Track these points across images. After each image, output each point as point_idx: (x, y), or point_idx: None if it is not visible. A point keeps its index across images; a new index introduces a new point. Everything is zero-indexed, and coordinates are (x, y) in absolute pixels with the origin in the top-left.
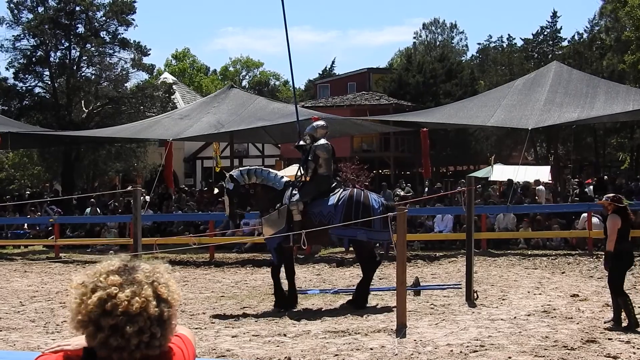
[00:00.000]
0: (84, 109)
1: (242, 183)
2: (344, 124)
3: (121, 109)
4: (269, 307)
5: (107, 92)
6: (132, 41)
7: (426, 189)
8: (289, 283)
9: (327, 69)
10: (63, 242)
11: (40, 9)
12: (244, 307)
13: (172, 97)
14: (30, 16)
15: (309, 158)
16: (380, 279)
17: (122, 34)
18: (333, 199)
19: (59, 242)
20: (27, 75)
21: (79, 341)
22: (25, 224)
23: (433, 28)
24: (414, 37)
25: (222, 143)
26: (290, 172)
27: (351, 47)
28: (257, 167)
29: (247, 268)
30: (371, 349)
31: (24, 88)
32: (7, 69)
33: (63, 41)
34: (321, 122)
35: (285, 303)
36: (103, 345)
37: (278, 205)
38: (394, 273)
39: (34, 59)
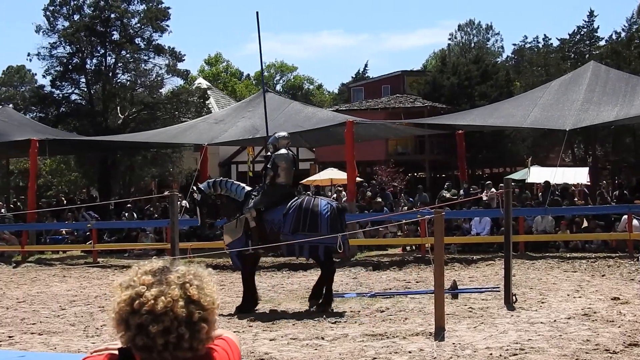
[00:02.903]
0: (119, 115)
1: (209, 193)
2: (379, 128)
3: (156, 114)
4: (306, 310)
5: (142, 98)
6: (166, 47)
7: (462, 192)
8: (245, 287)
9: (360, 72)
10: (101, 247)
11: (76, 17)
12: (281, 311)
13: (207, 102)
14: (66, 24)
15: (268, 166)
16: (417, 282)
17: (157, 40)
18: (285, 208)
19: (97, 247)
20: (63, 83)
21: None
22: (64, 230)
23: (468, 29)
24: (449, 39)
25: (257, 147)
26: (324, 176)
27: (383, 50)
28: (222, 178)
29: (283, 272)
30: (409, 352)
31: (60, 95)
32: (44, 76)
33: (99, 48)
34: (283, 133)
35: (246, 308)
36: (132, 345)
37: (238, 214)
38: (430, 276)
39: (70, 66)
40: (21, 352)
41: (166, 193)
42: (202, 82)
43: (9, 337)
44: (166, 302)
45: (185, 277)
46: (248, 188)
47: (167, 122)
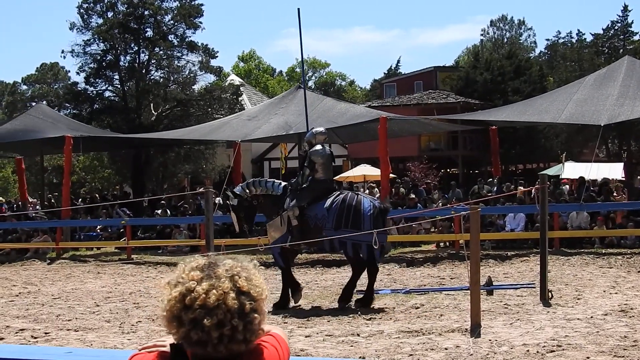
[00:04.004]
0: (153, 111)
1: (245, 197)
2: (412, 123)
3: (189, 111)
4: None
5: (175, 94)
6: (199, 44)
7: (495, 188)
8: (284, 283)
9: (392, 68)
10: (135, 243)
11: (110, 14)
12: (316, 307)
13: (240, 98)
14: (100, 21)
15: (305, 164)
16: (451, 278)
17: (190, 37)
18: (327, 203)
19: (130, 243)
20: (97, 80)
21: (172, 339)
22: (98, 226)
23: (500, 25)
24: (481, 34)
25: (289, 144)
26: (357, 172)
27: (414, 46)
28: (255, 179)
29: (317, 268)
30: (446, 348)
31: (94, 92)
32: (78, 73)
33: (132, 45)
34: (320, 129)
35: (283, 304)
36: (186, 340)
37: (280, 211)
38: (465, 273)
39: (104, 63)
40: (68, 348)
41: (201, 190)
42: (235, 79)
43: (45, 333)
44: (218, 295)
45: (233, 270)
46: (283, 183)
47: (200, 119)
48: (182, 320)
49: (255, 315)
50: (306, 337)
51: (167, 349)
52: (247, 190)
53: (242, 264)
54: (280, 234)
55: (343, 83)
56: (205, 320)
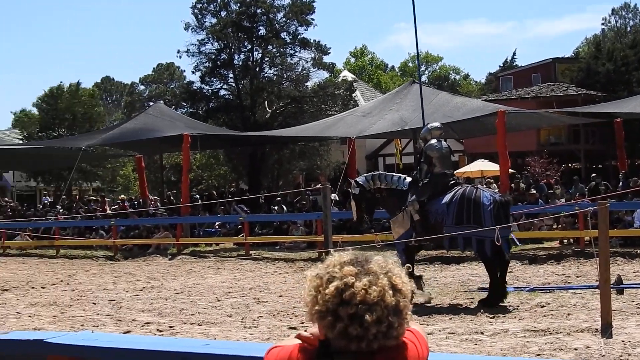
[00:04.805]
0: (267, 109)
1: (368, 188)
2: (530, 117)
3: (303, 108)
4: (462, 304)
5: (289, 92)
6: (312, 41)
7: (621, 183)
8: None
9: (508, 60)
10: (253, 239)
11: (223, 13)
12: (437, 305)
13: (353, 94)
14: (214, 21)
15: (422, 160)
16: (577, 276)
17: (302, 34)
18: (447, 197)
19: (248, 239)
20: (212, 78)
21: (314, 331)
22: (216, 223)
23: (623, 13)
24: (602, 24)
25: (404, 139)
26: (474, 167)
27: (530, 38)
28: (380, 172)
29: (436, 265)
30: (575, 349)
31: (209, 91)
32: (193, 72)
33: (246, 43)
34: (435, 124)
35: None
36: (342, 335)
37: (403, 206)
38: (591, 271)
39: (218, 62)
40: (206, 341)
41: (318, 186)
42: (348, 75)
43: (170, 327)
44: (378, 292)
45: (386, 267)
46: (409, 178)
47: (314, 116)
48: (340, 315)
49: (408, 312)
50: (428, 334)
51: (307, 340)
52: (371, 182)
53: (390, 260)
54: (404, 230)
55: (457, 77)
56: (366, 316)
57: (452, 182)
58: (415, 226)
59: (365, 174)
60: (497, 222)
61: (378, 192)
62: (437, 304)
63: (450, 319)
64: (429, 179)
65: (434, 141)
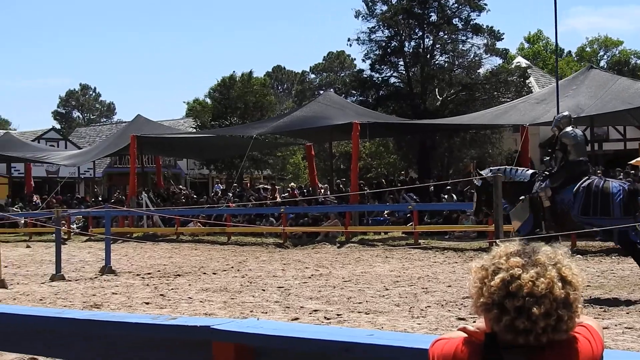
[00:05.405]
0: (437, 97)
1: (490, 181)
2: None
3: (475, 95)
4: None
5: (460, 79)
6: (484, 26)
7: None
8: None
9: None
10: (422, 228)
11: (394, 0)
12: (613, 298)
13: (527, 81)
14: (385, 8)
15: (557, 147)
16: None
17: (474, 19)
18: (575, 188)
19: (417, 228)
20: (382, 66)
21: (480, 324)
22: (385, 211)
23: None
24: None
25: (580, 127)
26: None
27: None
28: (506, 167)
29: (612, 257)
30: None
31: (379, 79)
32: (363, 60)
33: (417, 30)
34: (565, 114)
35: None
36: (509, 329)
37: (522, 197)
38: None
39: (388, 49)
40: (370, 331)
41: (488, 175)
42: (522, 61)
43: (337, 315)
44: (546, 284)
45: (555, 258)
46: (531, 170)
47: (486, 103)
48: (506, 308)
49: (578, 305)
50: (604, 329)
51: (473, 332)
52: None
53: (559, 251)
54: (522, 220)
55: (639, 62)
56: (534, 309)
57: (586, 170)
58: (544, 213)
59: (491, 167)
60: (627, 212)
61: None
62: (613, 297)
63: (627, 313)
64: (563, 166)
65: (569, 129)
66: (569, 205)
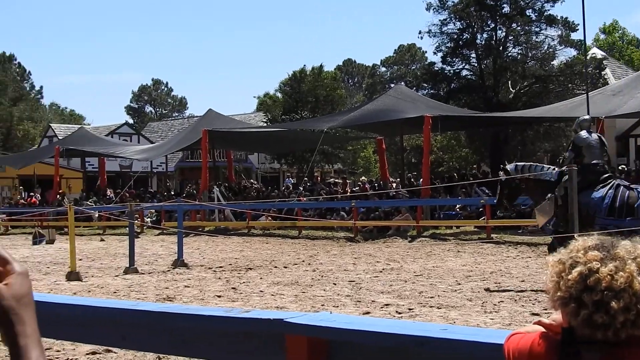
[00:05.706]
0: (510, 89)
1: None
2: None
3: (549, 87)
4: None
5: (533, 71)
6: (558, 17)
7: None
8: None
9: None
10: (494, 222)
11: None
12: None
13: (602, 72)
14: (456, 0)
15: (569, 148)
16: None
17: (549, 10)
18: (600, 193)
19: (490, 222)
20: (454, 59)
21: (556, 317)
22: (457, 205)
23: None
24: None
25: None
26: None
27: None
28: (532, 164)
29: None
30: None
31: (451, 71)
32: (434, 53)
33: (489, 22)
34: (585, 117)
35: None
36: (587, 323)
37: (549, 195)
38: None
39: (460, 42)
40: (443, 325)
41: (564, 168)
42: (597, 52)
43: (409, 309)
44: (625, 278)
45: (635, 252)
46: (558, 169)
47: (560, 95)
48: (584, 302)
49: None
50: None
51: (549, 326)
52: (519, 172)
53: (638, 245)
54: (547, 217)
55: None
56: (613, 303)
57: (603, 172)
58: (557, 213)
59: (517, 163)
60: None
61: (524, 182)
62: None
63: None
64: (580, 169)
65: (583, 132)
66: (595, 209)
